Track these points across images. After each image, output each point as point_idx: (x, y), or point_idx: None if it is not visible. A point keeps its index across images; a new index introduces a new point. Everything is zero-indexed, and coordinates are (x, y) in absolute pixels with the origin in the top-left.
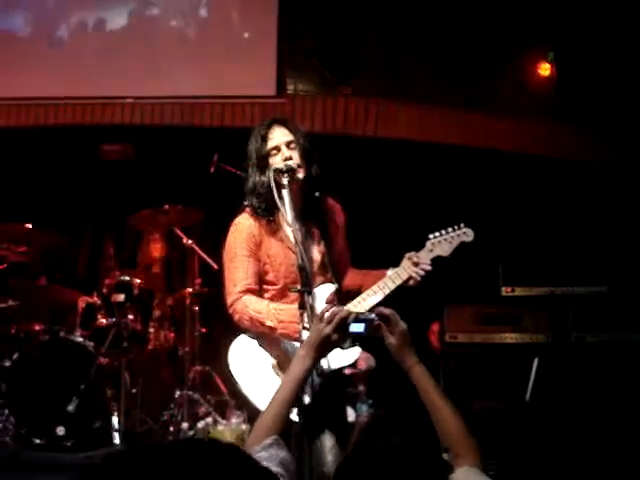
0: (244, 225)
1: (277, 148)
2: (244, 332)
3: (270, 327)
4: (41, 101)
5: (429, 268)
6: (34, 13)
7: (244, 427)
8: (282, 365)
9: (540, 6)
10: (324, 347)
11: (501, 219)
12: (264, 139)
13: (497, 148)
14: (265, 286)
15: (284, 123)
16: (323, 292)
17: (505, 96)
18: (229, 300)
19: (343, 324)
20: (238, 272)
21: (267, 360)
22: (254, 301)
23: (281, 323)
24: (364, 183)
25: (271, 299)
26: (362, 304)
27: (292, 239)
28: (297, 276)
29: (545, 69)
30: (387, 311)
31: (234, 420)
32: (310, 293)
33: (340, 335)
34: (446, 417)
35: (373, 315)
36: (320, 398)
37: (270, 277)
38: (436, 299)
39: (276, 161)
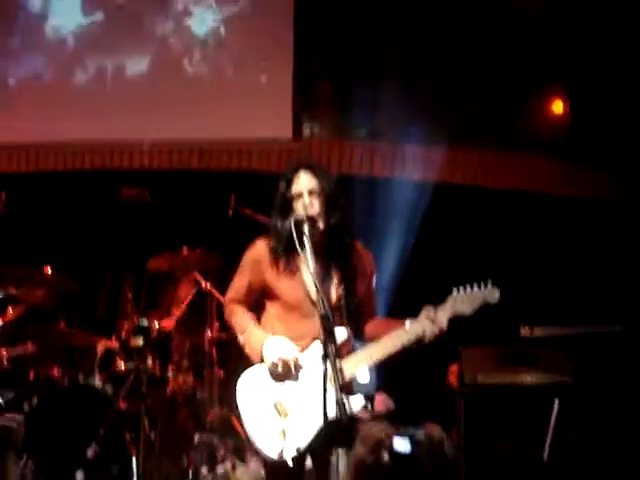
0: (256, 248)
1: (300, 194)
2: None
3: (241, 343)
4: (59, 146)
5: (444, 329)
6: (54, 58)
7: (263, 472)
8: (287, 403)
9: (555, 45)
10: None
11: (518, 259)
12: (289, 183)
13: (514, 187)
14: (274, 302)
15: (311, 169)
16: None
17: (519, 135)
18: (225, 299)
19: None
20: (236, 282)
21: (270, 397)
22: (240, 313)
23: (247, 344)
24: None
25: (280, 322)
26: (371, 356)
27: (310, 283)
28: (305, 311)
29: (559, 107)
30: (436, 432)
31: (253, 464)
32: (334, 343)
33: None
34: None
35: (419, 432)
36: (330, 444)
37: (277, 303)
38: (453, 340)
39: (298, 207)
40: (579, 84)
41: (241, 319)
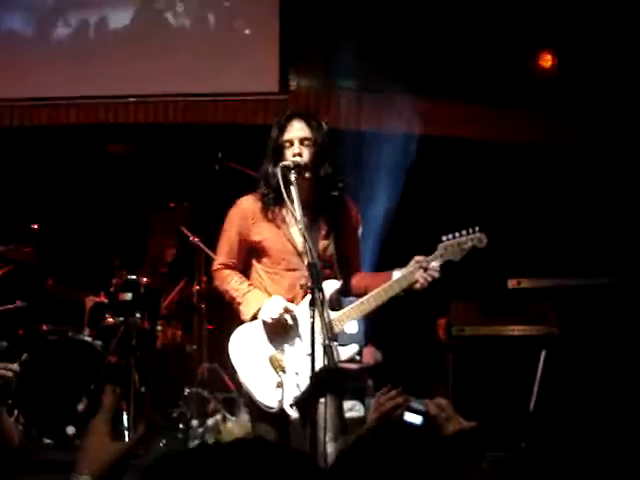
0: (242, 205)
1: (290, 141)
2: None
3: (238, 310)
4: (43, 102)
5: (437, 275)
6: (35, 13)
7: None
8: (274, 332)
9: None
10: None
11: (506, 212)
12: (281, 130)
13: (503, 140)
14: (264, 266)
15: (305, 118)
16: (327, 287)
17: (507, 88)
18: (214, 266)
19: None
20: (224, 246)
21: (264, 351)
22: (235, 279)
23: (246, 305)
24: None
25: (272, 275)
26: (364, 306)
27: (296, 235)
28: (289, 264)
29: (547, 61)
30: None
31: (243, 416)
32: (320, 290)
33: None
34: None
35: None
36: (318, 392)
37: (264, 257)
38: (442, 293)
39: (288, 154)
40: (566, 41)
41: (236, 284)
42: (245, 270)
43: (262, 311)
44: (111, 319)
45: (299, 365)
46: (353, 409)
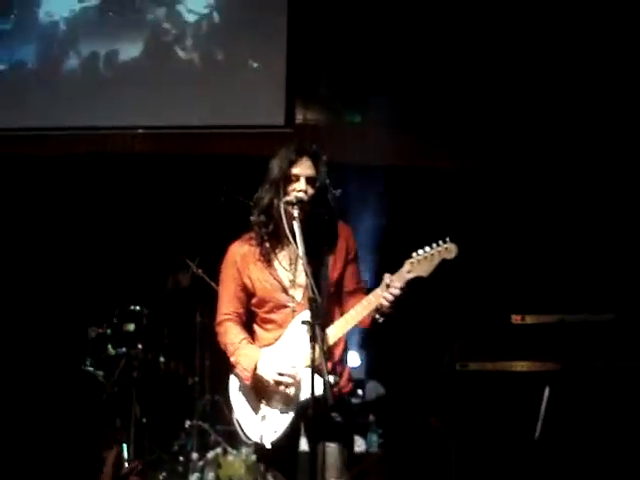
0: (230, 253)
1: (297, 177)
2: None
3: (231, 362)
4: (50, 132)
5: (397, 292)
6: (46, 44)
7: (254, 457)
8: (260, 391)
9: None
10: None
11: (511, 248)
12: (291, 164)
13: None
14: (254, 309)
15: (313, 157)
16: (302, 316)
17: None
18: (216, 320)
19: None
20: (223, 298)
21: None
22: (233, 331)
23: (239, 364)
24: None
25: (261, 322)
26: (336, 332)
27: (282, 272)
28: (278, 301)
29: None
30: None
31: (244, 450)
32: (320, 325)
33: None
34: None
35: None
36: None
37: (255, 301)
38: (447, 327)
39: (290, 189)
40: None
41: (233, 338)
42: (250, 319)
43: (259, 371)
44: (113, 350)
45: (282, 398)
46: (355, 444)
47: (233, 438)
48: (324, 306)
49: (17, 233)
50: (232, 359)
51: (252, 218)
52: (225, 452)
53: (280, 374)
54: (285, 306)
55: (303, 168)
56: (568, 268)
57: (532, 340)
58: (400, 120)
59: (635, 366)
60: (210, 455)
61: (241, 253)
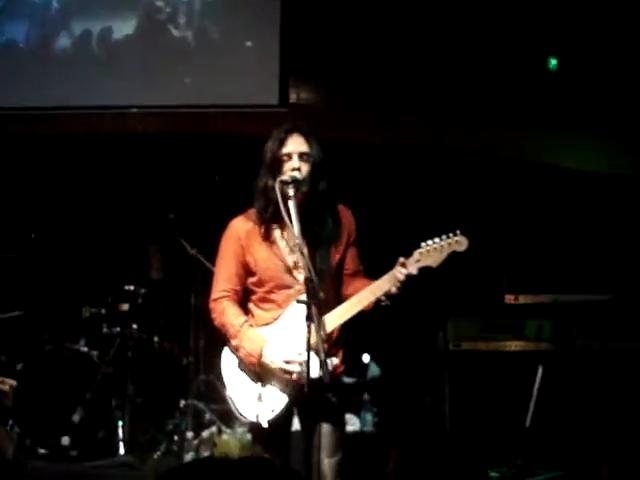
0: (233, 228)
1: (289, 155)
2: None
3: (234, 345)
4: (43, 111)
5: (414, 272)
6: (38, 23)
7: (249, 436)
8: (260, 372)
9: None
10: None
11: (505, 227)
12: (281, 143)
13: (498, 155)
14: (252, 287)
15: (304, 133)
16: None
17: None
18: (212, 297)
19: None
20: (221, 274)
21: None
22: (232, 312)
23: (242, 349)
24: (367, 190)
25: (258, 300)
26: (338, 318)
27: (286, 252)
28: (281, 281)
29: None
30: None
31: (238, 429)
32: (317, 305)
33: None
34: None
35: None
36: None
37: (255, 280)
38: (440, 307)
39: (285, 168)
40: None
41: (233, 320)
42: (245, 297)
43: (265, 358)
44: (108, 329)
45: (280, 380)
46: (349, 423)
47: (228, 417)
48: (325, 287)
49: (10, 213)
50: (234, 342)
51: (255, 204)
52: (220, 431)
53: (287, 362)
54: (287, 287)
55: (294, 145)
56: (563, 248)
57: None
58: (394, 99)
59: (630, 347)
60: (205, 434)
61: (245, 229)
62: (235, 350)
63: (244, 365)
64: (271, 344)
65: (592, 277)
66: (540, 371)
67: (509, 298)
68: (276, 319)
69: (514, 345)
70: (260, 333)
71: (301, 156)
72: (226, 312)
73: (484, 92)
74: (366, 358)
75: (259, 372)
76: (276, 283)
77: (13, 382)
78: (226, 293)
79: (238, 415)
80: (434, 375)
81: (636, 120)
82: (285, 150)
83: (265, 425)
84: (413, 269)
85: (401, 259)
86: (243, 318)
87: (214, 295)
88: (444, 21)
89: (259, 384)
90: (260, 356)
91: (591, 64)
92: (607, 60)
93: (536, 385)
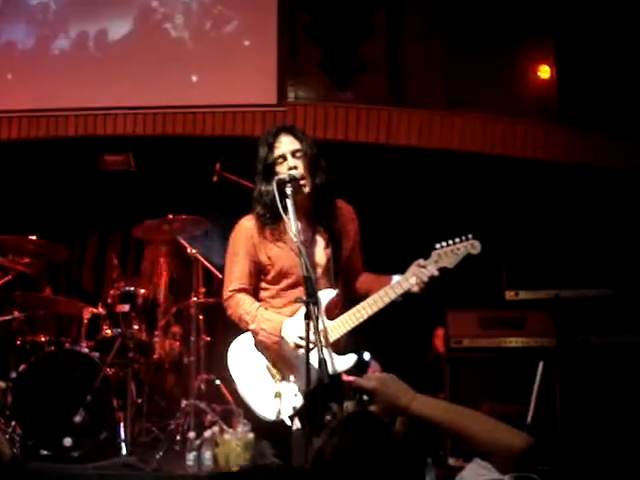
0: (244, 227)
1: (283, 157)
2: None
3: (253, 330)
4: (41, 113)
5: (436, 273)
6: (35, 24)
7: (250, 436)
8: (278, 365)
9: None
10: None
11: (504, 222)
12: (270, 147)
13: (501, 152)
14: (265, 285)
15: (291, 131)
16: (324, 297)
17: (506, 98)
18: (224, 295)
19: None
20: (234, 271)
21: (262, 361)
22: (247, 302)
23: (262, 330)
24: (366, 190)
25: (270, 298)
26: (360, 313)
27: (296, 246)
28: (298, 278)
29: (545, 71)
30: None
31: (240, 429)
32: (315, 304)
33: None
34: (468, 432)
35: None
36: (318, 402)
37: (270, 277)
38: (440, 303)
39: (282, 170)
40: (567, 46)
41: (248, 307)
42: (255, 296)
43: (285, 336)
44: (108, 331)
45: (297, 375)
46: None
47: (230, 417)
48: (334, 285)
49: (10, 218)
50: (252, 327)
51: (254, 212)
52: (222, 431)
53: (301, 337)
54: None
55: (285, 145)
56: (564, 243)
57: (526, 315)
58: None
59: (631, 341)
60: (207, 434)
61: (257, 228)
62: (255, 335)
63: (263, 351)
64: (289, 321)
65: (593, 272)
66: (541, 367)
67: (509, 294)
68: (291, 315)
69: (515, 341)
70: (277, 314)
71: (294, 154)
72: (240, 303)
73: None
74: (367, 356)
75: (278, 357)
76: (293, 281)
77: (2, 385)
78: (238, 289)
79: (258, 414)
80: (435, 371)
81: None
82: (277, 152)
83: (288, 423)
84: (434, 270)
85: (420, 261)
86: (257, 304)
87: (227, 292)
88: None
89: (274, 381)
90: (281, 330)
91: None
92: None
93: (537, 381)
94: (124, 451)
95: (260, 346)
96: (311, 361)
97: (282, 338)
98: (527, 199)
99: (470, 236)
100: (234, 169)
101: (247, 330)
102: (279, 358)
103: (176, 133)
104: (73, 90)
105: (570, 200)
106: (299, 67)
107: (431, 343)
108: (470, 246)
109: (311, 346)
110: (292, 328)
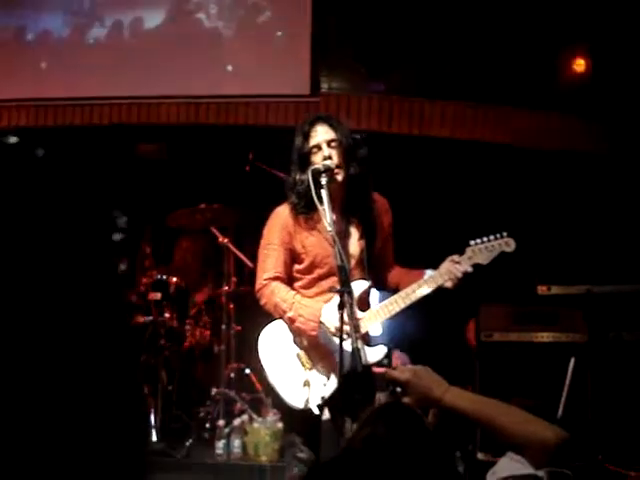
0: (280, 216)
1: (318, 146)
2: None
3: (290, 318)
4: (76, 102)
5: (470, 269)
6: (71, 13)
7: (279, 425)
8: (309, 354)
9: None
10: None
11: (537, 216)
12: (306, 137)
13: (536, 146)
14: (297, 275)
15: (327, 120)
16: (357, 288)
17: (541, 93)
18: (257, 284)
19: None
20: (269, 260)
21: (293, 349)
22: (282, 289)
23: (300, 317)
24: (399, 182)
25: (302, 287)
26: (392, 306)
27: (330, 236)
28: (332, 267)
29: (580, 65)
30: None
31: (269, 418)
32: (350, 293)
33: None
34: (501, 425)
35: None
36: (347, 393)
37: (304, 266)
38: (472, 298)
39: (317, 159)
40: (602, 42)
41: (284, 295)
42: (290, 284)
43: (324, 322)
44: (140, 318)
45: (327, 364)
46: None
47: (259, 405)
48: (367, 277)
49: (37, 208)
50: (289, 314)
51: (288, 201)
52: (251, 419)
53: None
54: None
55: (320, 134)
56: (597, 238)
57: (558, 310)
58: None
59: None
60: (236, 422)
61: (293, 216)
62: (291, 322)
63: (296, 339)
64: (328, 306)
65: (625, 268)
66: (572, 363)
67: (542, 289)
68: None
69: (546, 336)
70: (314, 301)
71: (329, 143)
72: (275, 292)
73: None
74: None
75: (311, 344)
76: (327, 270)
77: None
78: (273, 278)
79: (288, 403)
80: (465, 366)
81: None
82: (313, 142)
83: (316, 411)
84: (468, 266)
85: (454, 257)
86: (293, 292)
87: (260, 282)
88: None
89: (304, 369)
90: (320, 316)
91: None
92: None
93: (568, 377)
94: (154, 438)
95: (295, 333)
96: (345, 350)
97: (321, 324)
98: (561, 194)
99: (505, 234)
100: (267, 159)
101: (282, 318)
102: (312, 346)
103: (209, 123)
104: (108, 79)
105: (605, 195)
106: (332, 58)
107: (464, 335)
108: (504, 244)
109: (345, 336)
110: (331, 314)
